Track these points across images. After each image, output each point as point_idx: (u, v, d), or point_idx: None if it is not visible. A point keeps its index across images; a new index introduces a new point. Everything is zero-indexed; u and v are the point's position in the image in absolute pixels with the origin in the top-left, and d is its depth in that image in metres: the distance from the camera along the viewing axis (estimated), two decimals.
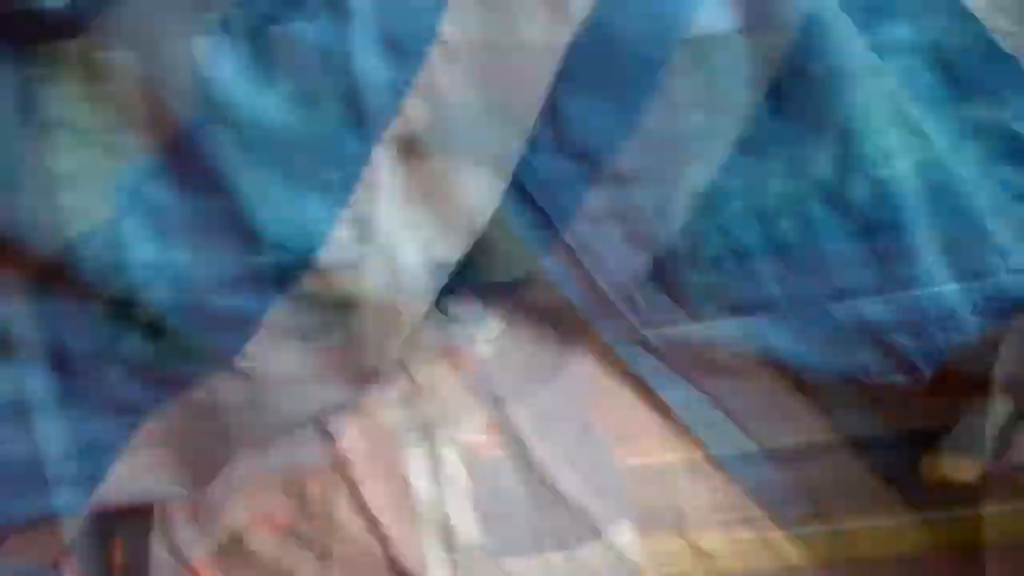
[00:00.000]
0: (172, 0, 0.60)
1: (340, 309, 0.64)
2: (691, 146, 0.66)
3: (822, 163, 0.65)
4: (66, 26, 0.60)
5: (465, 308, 0.72)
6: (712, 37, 0.65)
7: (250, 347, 0.63)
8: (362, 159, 0.62)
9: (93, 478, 0.64)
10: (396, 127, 0.63)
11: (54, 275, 0.61)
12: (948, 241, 0.65)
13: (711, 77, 0.65)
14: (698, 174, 0.66)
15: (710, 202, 0.66)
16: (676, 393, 0.70)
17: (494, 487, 0.70)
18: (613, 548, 0.69)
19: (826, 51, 0.64)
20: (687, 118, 0.65)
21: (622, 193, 0.67)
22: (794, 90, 0.65)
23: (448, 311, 0.72)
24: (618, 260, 0.68)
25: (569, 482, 0.70)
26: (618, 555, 0.69)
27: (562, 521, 0.69)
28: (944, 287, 0.65)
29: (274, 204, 0.61)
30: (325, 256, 0.63)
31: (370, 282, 0.64)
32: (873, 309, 0.66)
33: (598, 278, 0.69)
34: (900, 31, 0.66)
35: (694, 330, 0.69)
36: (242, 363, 0.64)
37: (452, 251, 0.66)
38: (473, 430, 0.71)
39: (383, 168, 0.63)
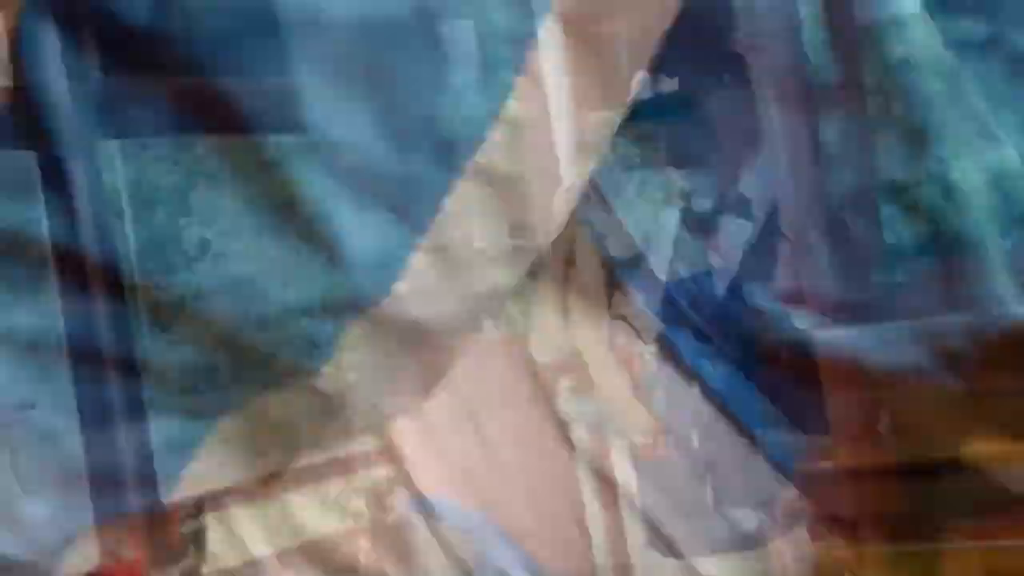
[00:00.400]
0: None
1: (413, 332, 0.64)
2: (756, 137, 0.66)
3: (892, 162, 0.65)
4: None
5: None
6: None
7: (325, 368, 0.62)
8: (445, 188, 0.62)
9: (169, 478, 0.63)
10: (479, 158, 0.62)
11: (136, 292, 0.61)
12: (1018, 258, 0.64)
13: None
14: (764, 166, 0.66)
15: (775, 194, 0.67)
16: (716, 374, 0.70)
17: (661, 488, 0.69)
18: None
19: (902, 44, 0.64)
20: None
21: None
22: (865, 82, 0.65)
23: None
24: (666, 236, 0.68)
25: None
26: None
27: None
28: (1013, 310, 0.63)
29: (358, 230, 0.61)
30: (404, 283, 0.62)
31: (443, 308, 0.64)
32: (937, 321, 0.65)
33: (650, 258, 0.69)
34: (973, 28, 0.66)
35: (740, 315, 0.68)
36: (317, 382, 0.63)
37: (521, 269, 0.66)
38: (640, 431, 0.70)
39: (463, 196, 0.63)
